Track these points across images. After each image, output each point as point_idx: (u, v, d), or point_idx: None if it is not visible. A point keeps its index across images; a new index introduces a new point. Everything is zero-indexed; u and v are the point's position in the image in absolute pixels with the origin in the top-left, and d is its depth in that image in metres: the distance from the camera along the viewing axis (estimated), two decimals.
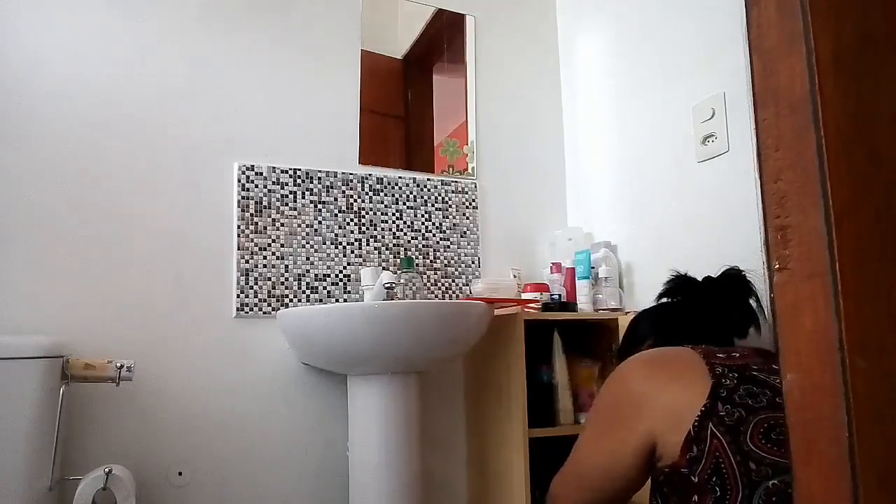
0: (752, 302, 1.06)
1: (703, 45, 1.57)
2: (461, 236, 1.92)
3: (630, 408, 0.84)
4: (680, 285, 1.12)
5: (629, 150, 1.82)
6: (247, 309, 1.66)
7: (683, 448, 0.76)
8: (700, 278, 1.11)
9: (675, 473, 0.77)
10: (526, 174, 2.04)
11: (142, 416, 1.54)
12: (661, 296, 1.14)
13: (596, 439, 0.89)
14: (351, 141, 1.84)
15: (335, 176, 1.80)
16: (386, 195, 1.85)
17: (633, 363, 0.89)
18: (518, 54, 2.10)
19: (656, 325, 1.09)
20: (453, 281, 1.89)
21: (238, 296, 1.65)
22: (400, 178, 1.87)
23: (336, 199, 1.79)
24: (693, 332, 1.02)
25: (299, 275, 1.72)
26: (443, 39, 2.00)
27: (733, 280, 1.07)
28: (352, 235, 1.79)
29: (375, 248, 1.82)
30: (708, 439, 0.74)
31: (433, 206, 1.90)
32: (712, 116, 1.51)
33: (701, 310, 1.06)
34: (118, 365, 1.37)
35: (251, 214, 1.70)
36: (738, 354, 0.86)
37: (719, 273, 1.09)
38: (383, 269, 1.79)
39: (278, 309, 1.66)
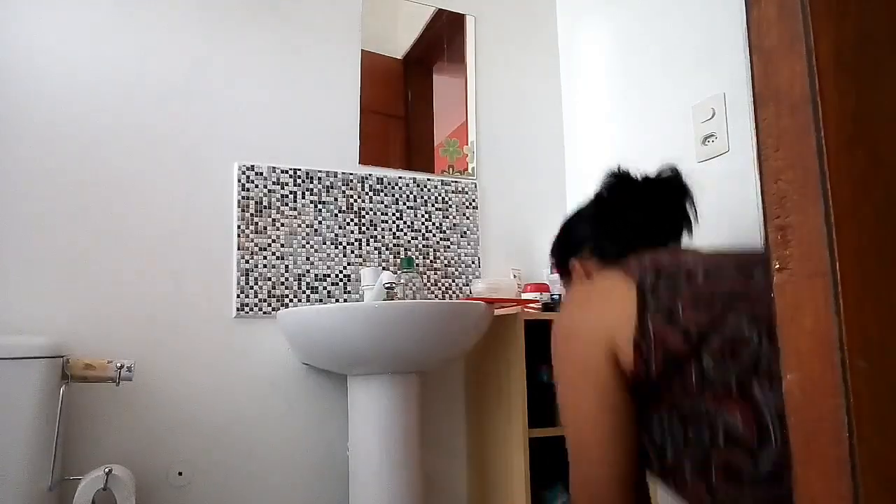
0: (688, 205, 1.04)
1: (703, 45, 1.57)
2: (461, 236, 1.92)
3: (586, 347, 0.83)
4: (619, 184, 1.07)
5: (629, 150, 1.82)
6: (247, 309, 1.66)
7: (636, 354, 0.77)
8: (639, 177, 1.07)
9: (643, 384, 0.78)
10: (526, 174, 2.04)
11: (142, 416, 1.54)
12: (599, 192, 1.09)
13: (577, 397, 0.85)
14: (351, 141, 1.84)
15: (335, 176, 1.80)
16: (386, 195, 1.85)
17: (565, 315, 0.89)
18: (518, 54, 2.10)
19: (595, 230, 1.06)
20: (453, 281, 1.89)
21: (238, 296, 1.65)
22: (400, 178, 1.87)
23: (336, 199, 1.79)
24: (630, 237, 1.00)
25: (299, 275, 1.72)
26: (443, 39, 2.00)
27: (672, 183, 1.04)
28: (352, 235, 1.79)
29: (375, 248, 1.82)
30: (650, 331, 0.76)
31: (433, 206, 1.90)
32: (712, 116, 1.51)
33: (639, 214, 1.03)
34: (118, 365, 1.37)
35: (251, 214, 1.70)
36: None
37: (658, 174, 1.05)
38: (383, 269, 1.78)
39: (278, 309, 1.66)
